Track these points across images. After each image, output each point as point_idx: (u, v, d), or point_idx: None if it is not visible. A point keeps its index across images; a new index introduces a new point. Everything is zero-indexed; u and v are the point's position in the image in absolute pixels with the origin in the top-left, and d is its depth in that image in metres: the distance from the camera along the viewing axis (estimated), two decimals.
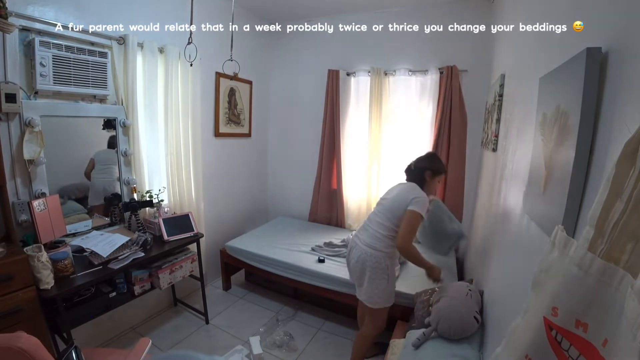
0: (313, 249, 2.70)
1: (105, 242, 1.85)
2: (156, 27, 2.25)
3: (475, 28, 2.60)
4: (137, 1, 2.14)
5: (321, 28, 3.23)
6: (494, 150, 1.88)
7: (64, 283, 1.58)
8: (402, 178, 3.14)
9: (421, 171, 1.87)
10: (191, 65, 2.14)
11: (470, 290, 1.57)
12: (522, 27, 1.49)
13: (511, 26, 1.77)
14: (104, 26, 1.95)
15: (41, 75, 1.67)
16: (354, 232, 1.93)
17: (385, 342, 1.99)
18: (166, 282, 2.11)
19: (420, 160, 1.92)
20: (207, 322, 2.48)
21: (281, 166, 3.73)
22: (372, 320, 1.88)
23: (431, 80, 2.75)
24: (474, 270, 2.11)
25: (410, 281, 2.22)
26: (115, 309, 1.93)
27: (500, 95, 1.82)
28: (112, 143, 2.14)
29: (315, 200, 3.43)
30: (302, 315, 2.62)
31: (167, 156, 2.40)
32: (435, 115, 2.78)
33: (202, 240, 2.41)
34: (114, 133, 2.11)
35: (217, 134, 2.96)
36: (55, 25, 1.72)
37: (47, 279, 1.50)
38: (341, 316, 2.58)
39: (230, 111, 3.07)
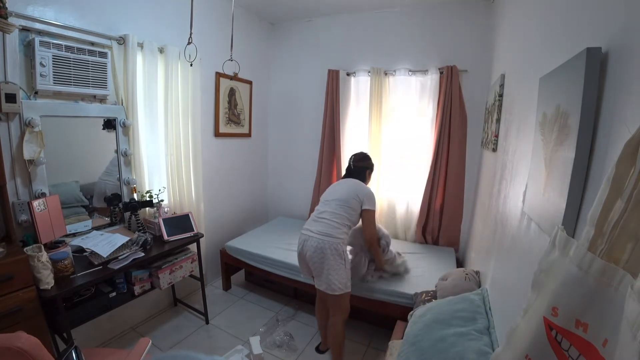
0: None
1: (105, 242, 1.85)
2: (156, 27, 2.26)
3: (475, 28, 2.60)
4: (137, 1, 2.14)
5: (321, 28, 3.24)
6: (494, 150, 1.88)
7: (64, 283, 1.58)
8: (402, 178, 3.21)
9: (362, 170, 2.17)
10: (191, 65, 2.14)
11: (467, 274, 1.82)
12: (522, 27, 1.49)
13: (511, 26, 1.77)
14: (104, 26, 1.95)
15: (41, 75, 1.66)
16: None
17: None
18: (166, 282, 2.11)
19: (359, 159, 2.19)
20: (207, 322, 2.48)
21: (281, 166, 3.73)
22: (337, 307, 1.94)
23: (431, 80, 2.75)
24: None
25: (410, 281, 2.22)
26: (115, 309, 1.93)
27: (500, 95, 1.82)
28: None
29: (315, 200, 3.42)
30: (302, 315, 2.62)
31: (167, 156, 2.39)
32: (435, 115, 2.78)
33: (202, 240, 2.41)
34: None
35: (217, 134, 2.96)
36: (55, 25, 1.72)
37: (47, 279, 1.50)
38: None
39: (230, 111, 3.07)
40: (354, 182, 2.09)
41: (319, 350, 2.20)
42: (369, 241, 2.07)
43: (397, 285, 2.17)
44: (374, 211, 2.03)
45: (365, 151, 2.30)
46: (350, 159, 2.20)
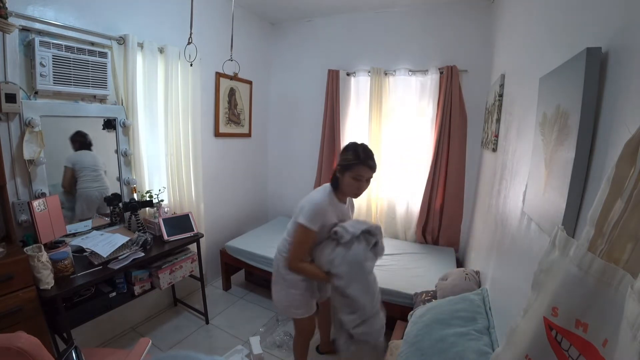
0: None
1: (105, 242, 1.85)
2: (156, 27, 2.26)
3: (475, 28, 2.61)
4: (137, 1, 2.14)
5: (321, 28, 3.24)
6: (494, 150, 1.88)
7: (64, 283, 1.58)
8: (402, 178, 3.14)
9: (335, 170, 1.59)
10: (191, 65, 2.14)
11: (467, 274, 1.82)
12: (522, 27, 1.49)
13: (511, 26, 1.77)
14: (104, 26, 1.95)
15: (41, 75, 1.67)
16: None
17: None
18: (166, 282, 2.11)
19: None
20: (207, 322, 2.48)
21: (281, 166, 3.73)
22: (295, 325, 1.81)
23: (431, 80, 2.75)
24: None
25: (410, 281, 2.22)
26: (115, 309, 1.93)
27: (500, 95, 1.82)
28: (87, 143, 1.99)
29: None
30: None
31: (167, 156, 2.39)
32: (436, 115, 2.78)
33: (202, 240, 2.41)
34: (79, 128, 1.94)
35: (217, 134, 2.96)
36: (55, 25, 1.72)
37: (47, 279, 1.50)
38: None
39: (230, 111, 3.07)
40: (318, 189, 1.65)
41: (319, 350, 2.20)
42: (289, 267, 1.60)
43: (397, 285, 2.17)
44: (307, 228, 1.47)
45: (354, 141, 1.59)
46: None
